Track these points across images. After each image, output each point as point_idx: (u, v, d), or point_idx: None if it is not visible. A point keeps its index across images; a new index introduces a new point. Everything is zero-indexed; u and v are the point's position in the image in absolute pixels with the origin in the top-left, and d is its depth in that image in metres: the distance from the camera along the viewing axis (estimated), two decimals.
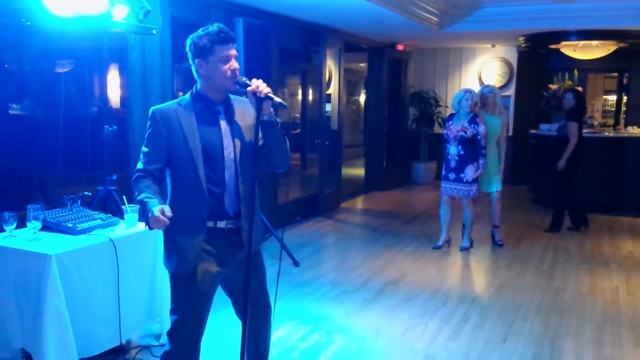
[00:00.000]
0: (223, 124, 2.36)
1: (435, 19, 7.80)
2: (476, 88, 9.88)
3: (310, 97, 8.67)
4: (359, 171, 10.94)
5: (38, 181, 4.31)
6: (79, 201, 3.70)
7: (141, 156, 2.36)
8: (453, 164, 5.81)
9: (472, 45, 10.41)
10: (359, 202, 9.02)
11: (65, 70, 4.77)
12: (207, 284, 2.39)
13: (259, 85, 2.22)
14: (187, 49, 2.37)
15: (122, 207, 3.52)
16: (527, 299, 4.57)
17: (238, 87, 2.30)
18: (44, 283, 2.91)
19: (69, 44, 4.17)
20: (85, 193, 3.80)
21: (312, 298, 4.50)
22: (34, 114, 4.41)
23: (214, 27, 2.29)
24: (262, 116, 2.26)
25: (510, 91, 10.46)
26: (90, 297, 3.14)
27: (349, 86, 14.33)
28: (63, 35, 4.19)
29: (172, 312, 2.44)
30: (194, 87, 2.41)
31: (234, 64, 2.31)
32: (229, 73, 2.29)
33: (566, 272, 5.36)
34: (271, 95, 2.23)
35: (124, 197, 3.53)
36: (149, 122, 2.35)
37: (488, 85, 6.50)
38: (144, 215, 2.26)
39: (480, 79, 10.52)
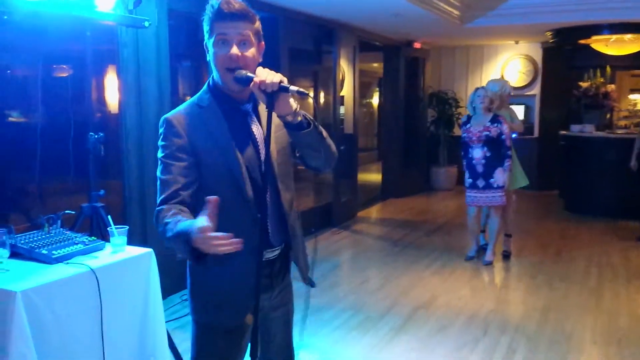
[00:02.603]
0: (255, 129, 1.82)
1: (457, 12, 7.23)
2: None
3: (323, 100, 8.12)
4: (374, 177, 10.38)
5: (16, 197, 3.78)
6: (59, 221, 3.17)
7: (159, 186, 1.73)
8: (480, 168, 5.26)
9: (494, 42, 9.81)
10: (376, 211, 8.43)
11: (65, 73, 4.25)
12: (248, 335, 1.81)
13: (264, 76, 1.61)
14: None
15: (108, 228, 2.97)
16: (578, 326, 3.97)
17: (238, 84, 1.71)
18: (7, 325, 2.37)
19: (49, 40, 3.64)
20: (67, 211, 3.26)
21: (331, 327, 3.93)
22: (5, 119, 3.88)
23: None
24: (284, 117, 1.68)
25: (535, 90, 9.85)
26: (67, 340, 2.59)
27: (362, 88, 13.78)
28: (42, 31, 3.67)
29: None
30: (210, 79, 1.83)
31: (235, 49, 1.69)
32: (222, 62, 1.71)
33: (616, 291, 4.75)
34: (285, 84, 1.62)
35: (109, 216, 2.99)
36: (163, 136, 1.75)
37: (496, 81, 5.84)
38: (183, 246, 1.57)
39: (503, 77, 9.91)
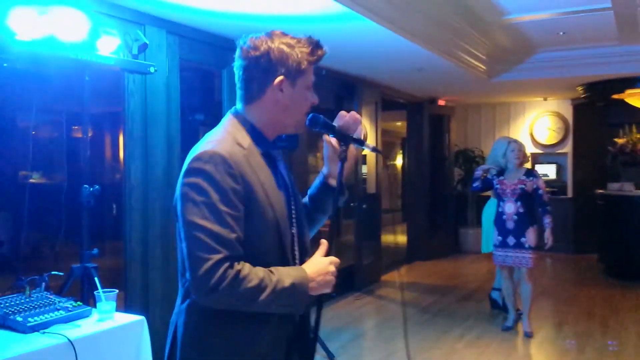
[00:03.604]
0: (283, 173, 1.66)
1: (483, 66, 6.97)
2: (529, 146, 8.94)
3: None
4: (399, 238, 9.89)
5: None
6: (44, 284, 2.82)
7: (207, 239, 1.39)
8: (510, 225, 4.86)
9: (521, 98, 9.51)
10: (402, 274, 7.91)
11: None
12: None
13: (354, 117, 1.67)
14: (253, 56, 1.55)
15: (95, 292, 2.61)
16: None
17: (316, 129, 1.65)
18: None
19: (46, 86, 3.41)
20: (54, 272, 2.91)
21: None
22: None
23: (305, 37, 1.60)
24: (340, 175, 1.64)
25: (567, 148, 9.43)
26: None
27: (385, 148, 13.53)
28: (40, 77, 3.46)
29: None
30: (240, 115, 1.60)
31: (315, 96, 1.64)
32: (307, 106, 1.64)
33: None
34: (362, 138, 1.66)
35: (95, 278, 2.63)
36: (214, 176, 1.43)
37: (511, 138, 5.49)
38: (299, 296, 1.47)
39: (532, 135, 9.55)
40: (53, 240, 3.50)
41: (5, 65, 3.19)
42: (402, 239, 9.39)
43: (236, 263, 1.41)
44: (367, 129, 7.65)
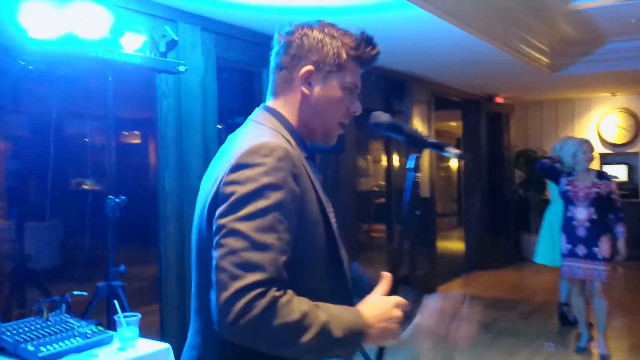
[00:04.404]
0: (317, 178, 1.35)
1: (545, 59, 6.41)
2: (596, 145, 8.27)
3: (396, 162, 7.43)
4: (455, 245, 9.37)
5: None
6: (64, 305, 2.57)
7: (248, 255, 1.05)
8: (582, 232, 4.36)
9: (587, 94, 8.83)
10: (459, 285, 7.42)
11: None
12: None
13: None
14: (287, 41, 1.29)
15: (115, 317, 2.33)
16: None
17: (381, 131, 1.34)
18: None
19: (68, 90, 3.19)
20: (77, 292, 2.66)
21: None
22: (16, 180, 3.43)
23: (357, 30, 1.31)
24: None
25: (638, 147, 8.69)
26: None
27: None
28: (60, 79, 3.25)
29: None
30: (275, 112, 1.30)
31: (359, 106, 1.34)
32: (344, 113, 1.32)
33: None
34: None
35: (115, 301, 2.35)
36: (275, 174, 1.11)
37: (581, 138, 4.94)
38: (354, 340, 1.14)
39: (599, 134, 8.85)
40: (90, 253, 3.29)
41: (30, 68, 3.00)
42: (459, 246, 8.87)
43: (275, 289, 1.05)
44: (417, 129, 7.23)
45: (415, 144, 1.33)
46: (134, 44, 2.82)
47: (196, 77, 3.69)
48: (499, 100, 8.58)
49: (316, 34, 1.26)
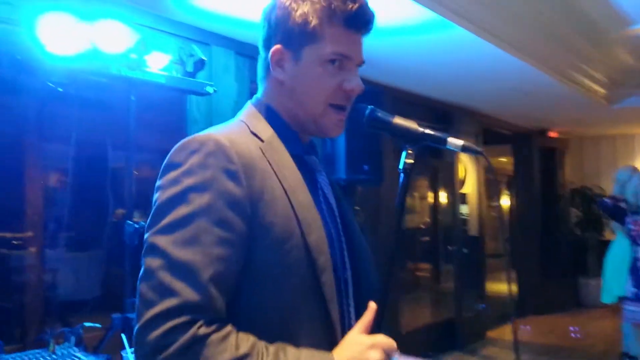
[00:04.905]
0: (326, 191, 1.14)
1: (602, 90, 6.06)
2: None
3: (443, 199, 7.13)
4: (506, 288, 8.88)
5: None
6: (73, 337, 2.40)
7: (166, 276, 0.86)
8: None
9: None
10: (511, 331, 6.95)
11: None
12: None
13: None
14: (262, 22, 1.10)
15: (122, 352, 2.13)
16: None
17: (374, 127, 1.10)
18: None
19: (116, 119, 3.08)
20: (89, 324, 2.49)
21: None
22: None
23: None
24: None
25: None
26: None
27: (488, 187, 12.58)
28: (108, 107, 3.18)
29: None
30: (260, 103, 1.12)
31: (359, 81, 1.07)
32: (329, 94, 1.06)
33: None
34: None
35: (122, 335, 2.16)
36: (201, 171, 0.92)
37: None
38: None
39: None
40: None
41: (59, 89, 2.93)
42: (510, 288, 8.41)
43: (203, 321, 0.85)
44: (466, 166, 6.92)
45: (407, 139, 1.09)
46: (159, 63, 2.72)
47: (229, 102, 3.57)
48: (553, 134, 8.21)
49: (284, 2, 1.05)
